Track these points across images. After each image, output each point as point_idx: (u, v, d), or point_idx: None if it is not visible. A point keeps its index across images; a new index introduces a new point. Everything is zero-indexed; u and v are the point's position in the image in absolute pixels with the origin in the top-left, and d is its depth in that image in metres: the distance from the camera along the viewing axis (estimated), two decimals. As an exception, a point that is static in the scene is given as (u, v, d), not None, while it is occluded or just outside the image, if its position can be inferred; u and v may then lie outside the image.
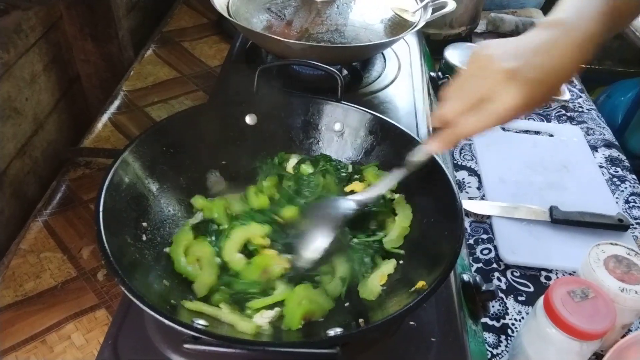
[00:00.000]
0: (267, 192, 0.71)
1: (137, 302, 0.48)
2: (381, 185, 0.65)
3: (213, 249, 0.63)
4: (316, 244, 0.63)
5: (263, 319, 0.56)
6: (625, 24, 0.62)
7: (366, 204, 0.66)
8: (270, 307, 0.58)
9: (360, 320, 0.57)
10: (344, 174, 0.74)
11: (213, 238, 0.65)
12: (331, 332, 0.55)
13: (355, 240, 0.66)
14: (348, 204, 0.65)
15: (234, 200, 0.70)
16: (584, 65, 0.53)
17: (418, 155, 0.63)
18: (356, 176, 0.73)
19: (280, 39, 0.87)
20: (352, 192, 0.71)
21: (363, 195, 0.66)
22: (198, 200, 0.69)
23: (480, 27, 1.51)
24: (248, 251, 0.64)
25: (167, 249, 0.63)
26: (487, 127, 0.54)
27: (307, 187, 0.71)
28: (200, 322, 0.52)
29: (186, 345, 0.46)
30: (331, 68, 0.76)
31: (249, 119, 0.75)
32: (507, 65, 0.51)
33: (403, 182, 0.70)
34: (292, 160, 0.75)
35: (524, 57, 0.52)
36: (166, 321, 0.47)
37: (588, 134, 1.21)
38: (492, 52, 0.53)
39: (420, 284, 0.56)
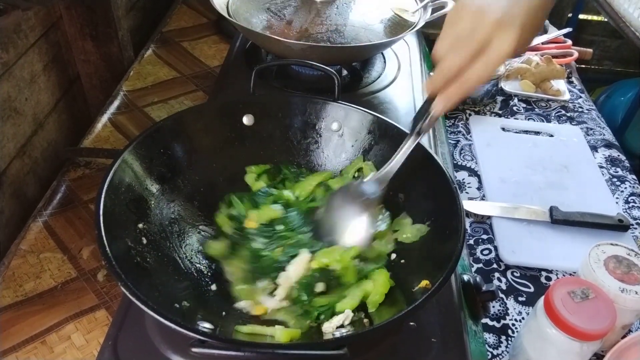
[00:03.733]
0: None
1: (143, 307, 0.48)
2: (397, 158, 0.66)
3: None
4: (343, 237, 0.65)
5: (331, 325, 0.57)
6: None
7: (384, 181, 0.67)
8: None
9: (365, 320, 0.57)
10: (303, 179, 0.74)
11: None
12: (337, 333, 0.55)
13: None
14: (370, 188, 0.67)
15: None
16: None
17: (429, 120, 0.63)
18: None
19: (280, 39, 0.87)
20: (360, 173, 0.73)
21: (380, 174, 0.67)
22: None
23: (480, 27, 1.51)
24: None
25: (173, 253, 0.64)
26: (492, 70, 0.59)
27: (262, 198, 0.71)
28: (206, 326, 0.52)
29: (194, 349, 0.46)
30: (328, 68, 0.76)
31: (246, 120, 0.75)
32: (495, 16, 0.56)
33: (404, 182, 0.70)
34: (251, 176, 0.75)
35: (507, 6, 0.57)
36: (173, 325, 0.47)
37: (588, 134, 1.21)
38: (477, 7, 0.58)
39: (424, 282, 0.56)
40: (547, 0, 0.61)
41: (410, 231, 0.67)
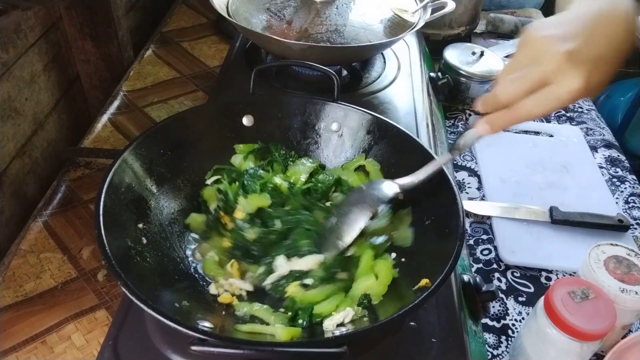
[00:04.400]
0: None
1: (143, 307, 0.48)
2: (424, 170, 0.64)
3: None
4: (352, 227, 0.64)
5: (332, 322, 0.57)
6: None
7: (406, 189, 0.66)
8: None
9: (365, 319, 0.57)
10: (291, 161, 0.75)
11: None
12: (337, 331, 0.55)
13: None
14: (391, 188, 0.66)
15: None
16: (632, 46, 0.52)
17: (467, 139, 0.60)
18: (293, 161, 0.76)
19: (280, 39, 0.87)
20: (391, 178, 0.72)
21: (406, 180, 0.65)
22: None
23: (480, 27, 1.51)
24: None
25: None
26: (547, 110, 0.52)
27: (250, 180, 0.71)
28: (206, 324, 0.52)
29: (193, 348, 0.46)
30: (327, 68, 0.76)
31: (246, 120, 0.75)
32: (566, 47, 0.49)
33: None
34: (237, 156, 0.75)
35: (581, 35, 0.50)
36: (173, 324, 0.47)
37: (588, 135, 1.21)
38: (547, 34, 0.51)
39: (424, 281, 0.56)
40: (627, 41, 0.52)
41: (402, 232, 0.67)
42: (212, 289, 0.61)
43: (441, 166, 0.64)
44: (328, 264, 0.62)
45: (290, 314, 0.58)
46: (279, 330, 0.55)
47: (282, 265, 0.62)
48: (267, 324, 0.57)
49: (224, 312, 0.59)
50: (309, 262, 0.62)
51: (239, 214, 0.68)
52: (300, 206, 0.69)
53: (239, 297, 0.61)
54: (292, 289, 0.60)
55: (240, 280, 0.62)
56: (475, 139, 0.60)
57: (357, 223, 0.64)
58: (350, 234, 0.64)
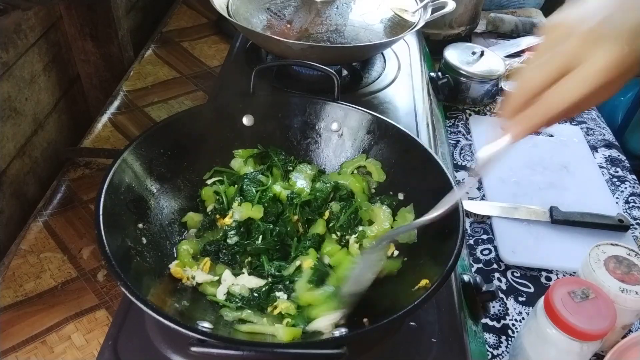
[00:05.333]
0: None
1: (142, 307, 0.48)
2: (443, 203, 0.57)
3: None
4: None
5: (328, 320, 0.57)
6: None
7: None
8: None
9: (365, 320, 0.57)
10: (291, 167, 0.74)
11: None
12: (336, 333, 0.55)
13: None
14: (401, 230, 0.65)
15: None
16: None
17: (489, 154, 0.52)
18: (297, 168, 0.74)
19: (280, 39, 0.87)
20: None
21: (424, 219, 0.59)
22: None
23: (480, 27, 1.51)
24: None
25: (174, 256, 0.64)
26: (579, 96, 0.46)
27: (251, 184, 0.70)
28: (205, 325, 0.52)
29: (193, 349, 0.46)
30: (327, 68, 0.76)
31: (246, 120, 0.75)
32: (589, 25, 0.45)
33: (404, 181, 0.70)
34: (237, 160, 0.74)
35: (603, 11, 0.46)
36: (172, 325, 0.47)
37: (588, 134, 1.21)
38: (567, 17, 0.48)
39: (424, 282, 0.56)
40: None
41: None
42: (172, 266, 0.62)
43: (459, 199, 0.58)
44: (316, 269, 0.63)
45: (285, 322, 0.58)
46: (280, 330, 0.55)
47: (226, 278, 0.62)
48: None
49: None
50: (251, 282, 0.62)
51: (228, 220, 0.67)
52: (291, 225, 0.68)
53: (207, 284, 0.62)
54: (283, 306, 0.60)
55: (205, 274, 0.62)
56: (501, 150, 0.51)
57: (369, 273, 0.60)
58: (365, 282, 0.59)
